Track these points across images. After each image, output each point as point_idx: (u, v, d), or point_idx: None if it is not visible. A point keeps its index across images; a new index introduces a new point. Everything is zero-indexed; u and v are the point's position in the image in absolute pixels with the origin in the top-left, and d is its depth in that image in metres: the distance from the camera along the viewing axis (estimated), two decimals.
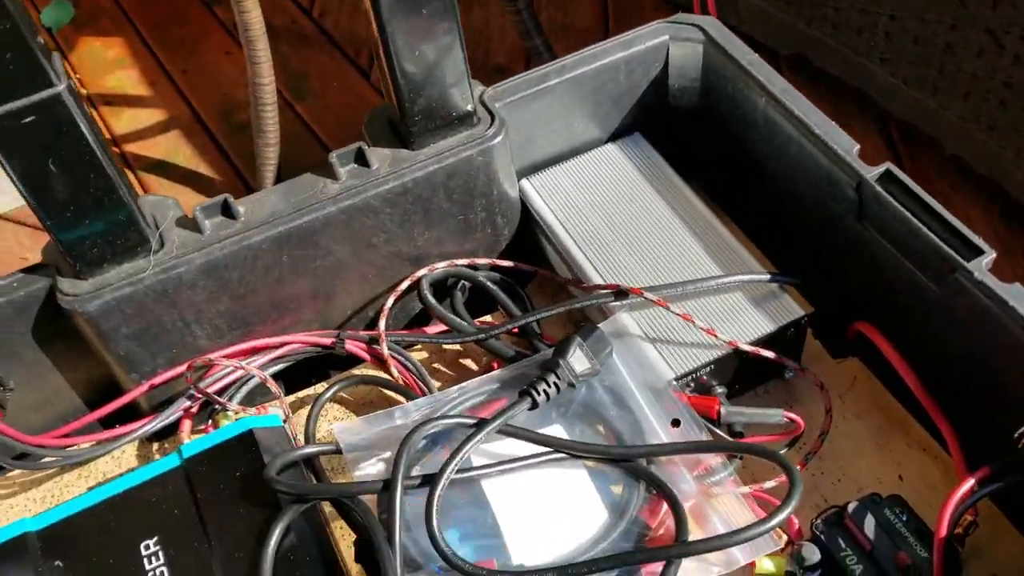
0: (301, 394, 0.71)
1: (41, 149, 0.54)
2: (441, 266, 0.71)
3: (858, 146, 0.62)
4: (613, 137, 0.75)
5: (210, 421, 0.66)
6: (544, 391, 0.58)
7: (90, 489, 0.61)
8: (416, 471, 0.56)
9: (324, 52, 1.39)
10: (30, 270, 0.62)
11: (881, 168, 0.60)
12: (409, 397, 0.66)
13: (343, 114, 1.41)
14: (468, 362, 0.72)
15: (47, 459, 0.63)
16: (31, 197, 0.56)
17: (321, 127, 1.42)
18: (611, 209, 0.70)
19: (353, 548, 0.58)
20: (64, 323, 0.62)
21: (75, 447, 0.63)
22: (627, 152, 0.73)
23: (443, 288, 0.73)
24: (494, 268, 0.73)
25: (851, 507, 0.57)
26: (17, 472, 0.69)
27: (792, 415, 0.59)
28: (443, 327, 0.70)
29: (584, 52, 0.70)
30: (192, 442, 0.59)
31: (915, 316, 0.60)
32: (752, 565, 0.56)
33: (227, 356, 0.66)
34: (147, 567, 0.54)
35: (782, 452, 0.59)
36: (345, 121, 1.38)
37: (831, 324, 0.66)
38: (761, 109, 0.66)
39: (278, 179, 1.02)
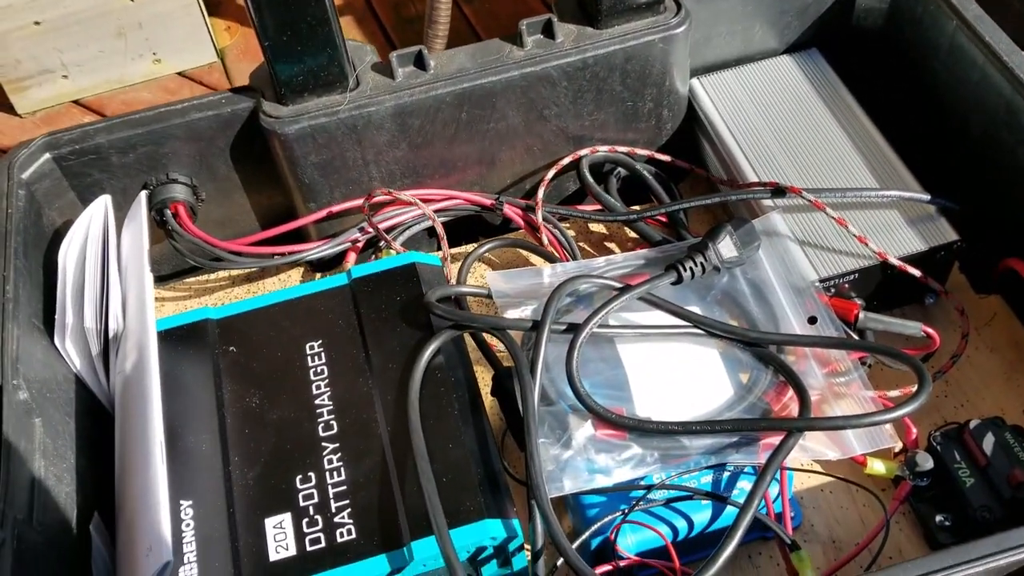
0: (452, 251, 0.76)
1: None
2: (603, 149, 0.74)
3: None
4: (789, 50, 0.76)
5: (373, 258, 0.72)
6: (690, 268, 0.61)
7: None
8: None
9: None
10: (237, 90, 0.68)
11: None
12: None
13: (507, 21, 1.44)
14: (613, 245, 0.75)
15: (240, 262, 0.69)
16: (256, 17, 0.61)
17: (484, 30, 1.45)
18: (778, 118, 0.72)
19: (491, 383, 0.63)
20: (260, 145, 0.68)
21: (265, 255, 0.70)
22: (802, 65, 0.74)
23: (599, 173, 0.76)
24: (651, 161, 0.76)
25: (972, 424, 0.58)
26: (193, 279, 0.77)
27: (930, 330, 0.60)
28: (595, 207, 0.74)
29: None
30: (360, 266, 0.64)
31: None
32: (863, 464, 0.58)
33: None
34: (310, 364, 0.60)
35: None
36: (509, 28, 1.41)
37: (980, 258, 0.67)
38: (949, 34, 0.66)
39: None
